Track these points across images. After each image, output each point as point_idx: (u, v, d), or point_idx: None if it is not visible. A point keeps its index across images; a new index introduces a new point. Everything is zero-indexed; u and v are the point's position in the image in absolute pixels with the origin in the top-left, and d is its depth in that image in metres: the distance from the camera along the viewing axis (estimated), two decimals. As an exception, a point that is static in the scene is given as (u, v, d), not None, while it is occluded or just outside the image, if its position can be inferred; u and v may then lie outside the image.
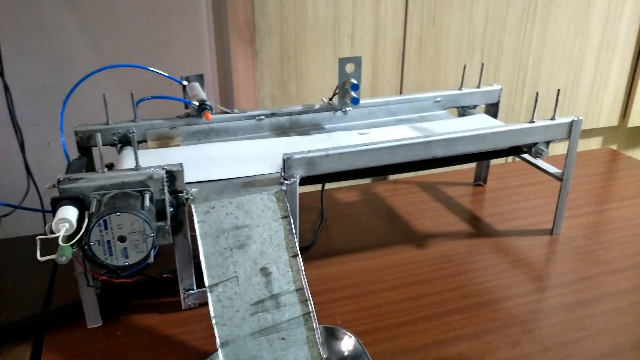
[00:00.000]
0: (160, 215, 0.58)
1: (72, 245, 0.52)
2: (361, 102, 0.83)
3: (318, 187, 0.95)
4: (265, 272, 0.56)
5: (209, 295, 0.54)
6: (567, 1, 1.17)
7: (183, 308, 0.67)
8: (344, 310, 0.68)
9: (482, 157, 0.84)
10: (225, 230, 0.58)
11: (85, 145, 0.72)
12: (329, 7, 1.00)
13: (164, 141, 0.76)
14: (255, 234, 0.58)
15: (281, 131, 0.82)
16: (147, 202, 0.55)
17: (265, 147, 0.76)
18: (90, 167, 0.71)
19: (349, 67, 0.79)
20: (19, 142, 0.84)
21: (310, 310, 0.55)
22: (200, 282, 0.62)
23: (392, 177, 1.13)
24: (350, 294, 0.71)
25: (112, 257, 0.54)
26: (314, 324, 0.55)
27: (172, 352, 0.61)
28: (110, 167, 0.66)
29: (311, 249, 0.82)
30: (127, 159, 0.70)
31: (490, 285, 0.72)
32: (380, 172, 0.72)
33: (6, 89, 0.83)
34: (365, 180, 1.10)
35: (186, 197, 0.60)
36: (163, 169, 0.58)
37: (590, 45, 1.24)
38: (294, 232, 0.60)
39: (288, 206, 0.61)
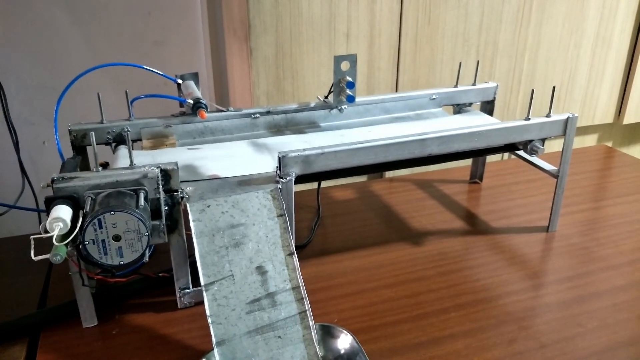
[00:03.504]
0: (155, 214, 0.58)
1: (66, 245, 0.52)
2: (357, 100, 0.83)
3: (314, 185, 0.95)
4: (261, 270, 0.56)
5: (204, 294, 0.54)
6: (562, -2, 1.17)
7: (179, 307, 0.67)
8: (340, 308, 0.67)
9: (478, 154, 0.84)
10: (221, 228, 0.58)
11: (79, 144, 0.71)
12: (324, 4, 1.00)
13: (158, 140, 0.76)
14: (251, 233, 0.58)
15: (277, 129, 0.82)
16: (141, 201, 0.55)
17: (261, 145, 0.76)
18: (85, 166, 0.71)
19: (345, 65, 0.79)
20: (14, 142, 0.83)
21: (307, 308, 0.55)
22: (196, 281, 0.62)
23: (388, 175, 1.13)
24: (346, 292, 0.71)
25: (106, 256, 0.54)
26: (310, 322, 0.55)
27: (168, 351, 0.61)
28: (105, 166, 0.65)
29: (307, 247, 0.82)
30: (122, 158, 0.69)
31: (486, 282, 0.72)
32: (376, 168, 0.72)
33: (0, 87, 0.83)
34: (362, 178, 1.10)
35: (181, 195, 0.60)
36: (158, 167, 0.58)
37: (586, 42, 1.24)
38: (290, 230, 0.59)
39: (284, 204, 0.61)
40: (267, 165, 0.69)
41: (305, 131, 0.81)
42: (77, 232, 0.52)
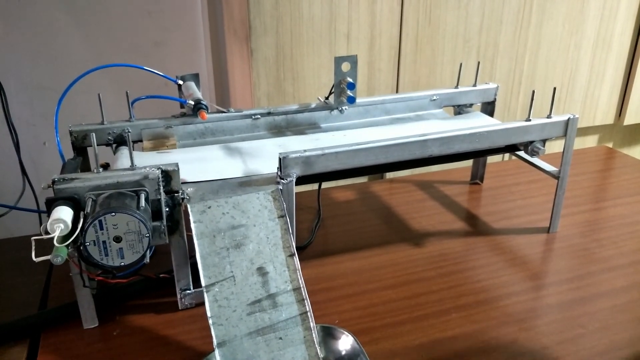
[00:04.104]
0: (156, 215, 0.58)
1: (67, 246, 0.51)
2: (357, 101, 0.83)
3: (315, 186, 0.95)
4: (262, 271, 0.56)
5: (205, 295, 0.54)
6: (562, -1, 1.17)
7: (180, 308, 0.67)
8: (341, 310, 0.67)
9: (479, 155, 0.84)
10: (222, 230, 0.58)
11: (80, 145, 0.71)
12: (325, 5, 1.00)
13: (159, 141, 0.76)
14: (252, 234, 0.58)
15: (277, 130, 0.82)
16: (142, 202, 0.55)
17: (233, 149, 0.76)
18: (85, 167, 0.71)
19: (345, 66, 0.79)
20: (14, 142, 0.83)
21: (307, 309, 0.55)
22: (196, 282, 0.62)
23: (389, 175, 1.13)
24: (347, 293, 0.70)
25: (107, 258, 0.54)
26: (311, 324, 0.54)
27: (168, 353, 0.61)
28: (106, 167, 0.65)
29: (308, 248, 0.82)
30: (123, 159, 0.69)
31: (487, 283, 0.72)
32: (377, 169, 0.72)
33: (1, 88, 0.83)
34: (362, 179, 1.10)
35: (182, 196, 0.60)
36: (158, 168, 0.58)
37: (586, 43, 1.24)
38: (291, 231, 0.59)
39: (284, 205, 0.61)
40: (237, 169, 0.68)
41: (306, 132, 0.81)
42: (78, 233, 0.52)
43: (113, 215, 0.52)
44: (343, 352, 0.57)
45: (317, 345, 0.54)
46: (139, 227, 0.53)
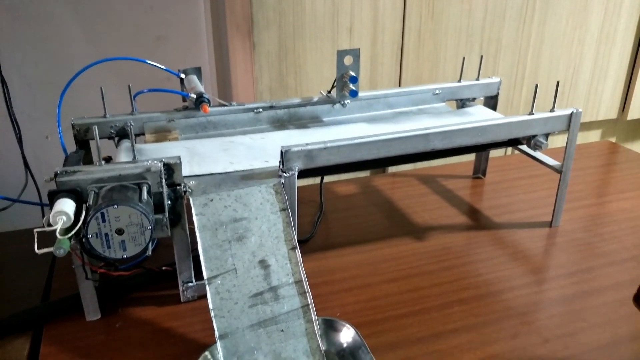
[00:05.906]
0: (158, 207, 0.58)
1: (69, 238, 0.52)
2: (360, 94, 0.83)
3: (317, 179, 0.95)
4: (263, 264, 0.56)
5: (207, 287, 0.54)
6: (566, -7, 1.17)
7: (182, 301, 0.67)
8: (343, 303, 0.67)
9: (481, 149, 0.84)
10: (224, 222, 0.58)
11: (82, 138, 0.71)
12: (327, -1, 1.00)
13: (161, 134, 0.76)
14: (254, 227, 0.58)
15: (280, 124, 0.82)
16: (144, 195, 0.55)
17: (263, 139, 0.76)
18: (88, 160, 0.71)
19: (348, 60, 0.79)
20: (17, 136, 0.83)
21: (309, 302, 0.55)
22: (199, 275, 0.62)
23: (391, 169, 1.12)
24: (349, 286, 0.71)
25: (110, 250, 0.54)
26: (313, 316, 0.55)
27: (171, 345, 0.61)
28: (108, 160, 0.65)
29: (310, 241, 0.82)
30: (125, 152, 0.69)
31: (489, 277, 0.72)
32: (379, 164, 0.71)
33: (3, 82, 0.83)
34: (364, 173, 1.10)
35: (184, 189, 0.60)
36: (161, 161, 0.58)
37: (590, 38, 1.23)
38: (293, 224, 0.59)
39: (286, 199, 0.61)
40: None
41: (308, 126, 0.81)
42: (80, 226, 0.52)
43: (115, 208, 0.52)
44: (344, 345, 0.57)
45: (318, 338, 0.54)
46: (141, 220, 0.53)
